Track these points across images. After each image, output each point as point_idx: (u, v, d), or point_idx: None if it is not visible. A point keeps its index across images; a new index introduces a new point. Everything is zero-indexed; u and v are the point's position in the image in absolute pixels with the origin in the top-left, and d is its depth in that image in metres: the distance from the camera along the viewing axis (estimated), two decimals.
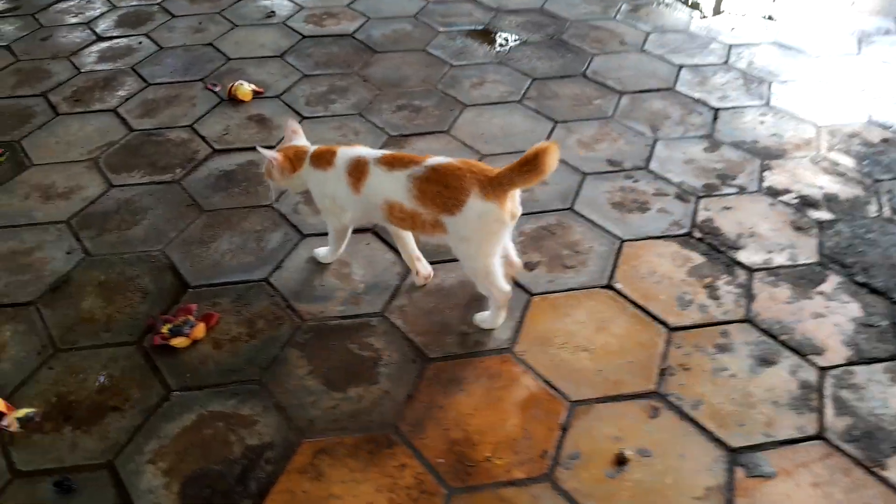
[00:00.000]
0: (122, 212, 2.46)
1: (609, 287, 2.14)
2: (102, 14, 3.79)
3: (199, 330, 2.00)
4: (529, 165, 1.75)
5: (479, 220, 1.82)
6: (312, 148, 2.08)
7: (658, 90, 3.07)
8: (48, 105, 3.05)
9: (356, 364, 1.94)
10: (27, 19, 3.77)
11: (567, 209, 2.43)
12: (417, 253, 2.16)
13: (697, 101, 3.00)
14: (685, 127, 2.84)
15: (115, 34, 3.60)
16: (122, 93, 3.12)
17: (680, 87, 3.08)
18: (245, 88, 3.01)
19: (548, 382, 1.87)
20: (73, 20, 3.75)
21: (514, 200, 1.85)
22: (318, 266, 2.24)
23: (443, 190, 1.82)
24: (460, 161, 1.86)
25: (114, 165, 2.68)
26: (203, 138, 2.81)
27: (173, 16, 3.75)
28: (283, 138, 2.19)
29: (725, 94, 3.04)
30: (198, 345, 1.99)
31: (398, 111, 2.95)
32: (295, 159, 2.05)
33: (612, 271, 2.19)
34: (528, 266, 2.20)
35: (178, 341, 1.97)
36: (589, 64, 3.26)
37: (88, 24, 3.70)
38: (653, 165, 2.63)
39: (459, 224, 1.84)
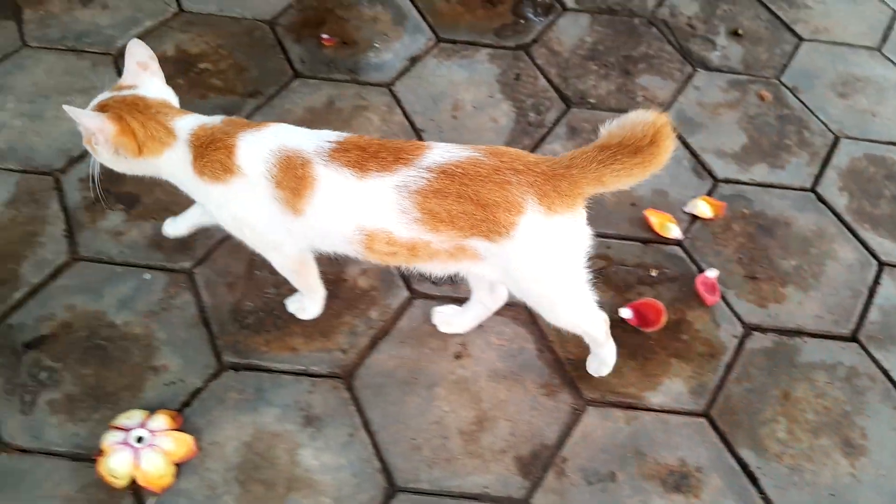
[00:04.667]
0: None
1: None
2: None
3: None
4: (641, 155, 1.12)
5: (544, 249, 1.19)
6: (187, 121, 1.24)
7: None
8: None
9: None
10: None
11: None
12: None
13: None
14: None
15: None
16: None
17: None
18: None
19: None
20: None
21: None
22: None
23: (475, 210, 1.15)
24: (485, 150, 1.17)
25: None
26: None
27: None
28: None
29: None
30: None
31: None
32: (146, 132, 1.21)
33: None
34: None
35: None
36: None
37: None
38: None
39: (509, 254, 1.18)
